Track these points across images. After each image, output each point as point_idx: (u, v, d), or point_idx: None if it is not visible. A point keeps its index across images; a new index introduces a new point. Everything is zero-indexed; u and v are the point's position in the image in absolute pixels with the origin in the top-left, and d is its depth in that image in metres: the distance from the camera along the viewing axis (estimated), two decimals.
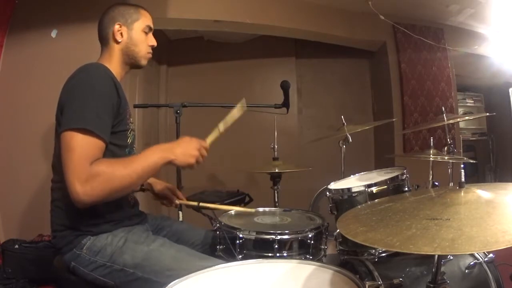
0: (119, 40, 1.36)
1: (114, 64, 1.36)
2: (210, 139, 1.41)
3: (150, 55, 1.45)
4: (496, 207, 0.81)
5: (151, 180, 1.62)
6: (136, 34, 1.39)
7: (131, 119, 1.37)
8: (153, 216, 1.57)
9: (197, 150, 1.28)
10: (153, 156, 1.20)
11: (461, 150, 4.13)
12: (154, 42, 1.44)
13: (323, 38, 3.78)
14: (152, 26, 1.44)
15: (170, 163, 1.23)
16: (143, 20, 1.41)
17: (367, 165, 3.86)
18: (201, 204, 1.54)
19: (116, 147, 1.27)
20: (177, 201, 1.61)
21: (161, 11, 2.92)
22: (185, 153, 1.26)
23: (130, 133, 1.35)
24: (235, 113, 1.45)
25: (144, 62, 1.44)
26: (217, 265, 1.06)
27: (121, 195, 1.19)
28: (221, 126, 1.43)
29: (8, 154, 2.49)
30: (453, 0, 3.38)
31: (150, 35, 1.44)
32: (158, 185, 1.63)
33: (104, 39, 1.38)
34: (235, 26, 3.31)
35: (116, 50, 1.37)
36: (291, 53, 4.29)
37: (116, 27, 1.36)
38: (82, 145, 1.09)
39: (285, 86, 2.14)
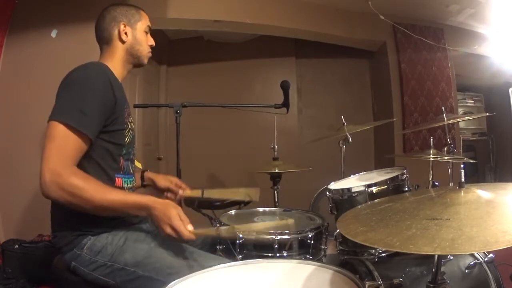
0: (125, 40, 1.38)
1: (116, 64, 1.37)
2: (197, 234, 1.15)
3: (150, 54, 1.48)
4: (496, 207, 0.81)
5: (152, 175, 1.62)
6: (139, 34, 1.41)
7: (131, 118, 1.37)
8: None
9: (174, 225, 1.11)
10: (132, 197, 1.17)
11: (461, 150, 4.13)
12: (153, 42, 1.47)
13: (323, 38, 3.78)
14: (151, 26, 1.47)
15: (147, 208, 1.13)
16: (144, 21, 1.44)
17: (367, 165, 3.86)
18: (205, 191, 1.53)
19: (112, 145, 1.27)
20: (180, 192, 1.60)
21: (161, 11, 2.92)
22: (165, 215, 1.11)
23: (128, 132, 1.34)
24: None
25: (146, 61, 1.47)
26: (217, 264, 1.06)
27: (78, 209, 1.13)
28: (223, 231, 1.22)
29: (8, 154, 2.48)
30: (453, 0, 3.39)
31: (149, 35, 1.47)
32: (161, 179, 1.62)
33: (106, 39, 1.39)
34: (235, 26, 3.31)
35: (120, 50, 1.38)
36: (291, 53, 4.30)
37: (122, 27, 1.37)
38: (61, 138, 1.11)
39: (285, 86, 2.14)
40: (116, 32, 1.37)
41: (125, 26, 1.38)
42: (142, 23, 1.42)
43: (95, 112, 1.18)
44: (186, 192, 1.60)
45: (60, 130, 1.11)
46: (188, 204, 2.23)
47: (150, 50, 1.47)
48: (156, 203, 1.14)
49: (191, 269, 0.98)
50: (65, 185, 1.07)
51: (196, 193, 1.57)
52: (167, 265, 1.17)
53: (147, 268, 1.17)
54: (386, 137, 3.98)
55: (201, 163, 3.59)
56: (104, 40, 1.39)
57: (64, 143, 1.11)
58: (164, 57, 4.13)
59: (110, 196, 1.12)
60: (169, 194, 1.62)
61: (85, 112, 1.14)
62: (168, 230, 1.11)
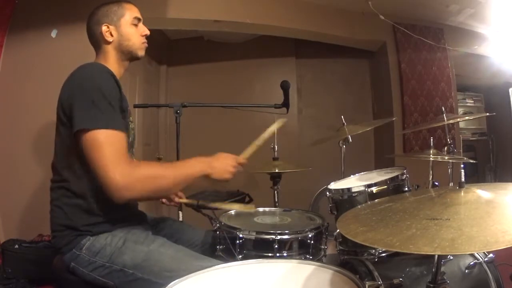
0: (110, 40, 1.36)
1: (111, 64, 1.36)
2: (246, 154, 1.48)
3: (146, 45, 1.44)
4: (496, 207, 0.81)
5: None
6: (125, 29, 1.37)
7: (131, 118, 1.38)
8: (153, 216, 1.57)
9: (233, 167, 1.35)
10: (193, 167, 1.26)
11: (461, 150, 4.13)
12: (146, 31, 1.43)
13: (323, 38, 3.78)
14: (139, 16, 1.42)
15: (206, 176, 1.30)
16: (129, 13, 1.39)
17: (367, 165, 3.86)
18: (200, 202, 1.54)
19: None
20: (177, 199, 1.61)
21: (161, 11, 2.92)
22: (223, 169, 1.33)
23: (130, 132, 1.35)
24: (273, 129, 1.55)
25: (141, 52, 1.43)
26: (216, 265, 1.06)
27: (156, 197, 1.23)
28: (259, 142, 1.52)
29: (8, 154, 2.48)
30: (453, 0, 3.39)
31: (140, 25, 1.42)
32: None
33: (96, 43, 1.39)
34: (235, 26, 3.31)
35: (110, 50, 1.37)
36: (291, 53, 4.30)
37: (104, 28, 1.35)
38: (110, 142, 1.11)
39: (285, 86, 2.14)
40: (100, 34, 1.36)
41: (108, 27, 1.35)
42: (127, 17, 1.38)
43: (116, 111, 1.19)
44: (182, 199, 1.62)
45: (103, 136, 1.11)
46: (188, 204, 2.23)
47: (144, 40, 1.42)
48: (213, 169, 1.29)
49: (189, 272, 0.98)
50: (139, 178, 1.12)
51: (191, 202, 1.58)
52: (165, 268, 1.17)
53: (146, 270, 1.17)
54: (386, 137, 3.98)
55: None
56: (95, 44, 1.40)
57: (114, 145, 1.12)
58: (164, 57, 4.13)
59: (178, 171, 1.23)
60: (164, 200, 1.63)
61: (112, 112, 1.16)
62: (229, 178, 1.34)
